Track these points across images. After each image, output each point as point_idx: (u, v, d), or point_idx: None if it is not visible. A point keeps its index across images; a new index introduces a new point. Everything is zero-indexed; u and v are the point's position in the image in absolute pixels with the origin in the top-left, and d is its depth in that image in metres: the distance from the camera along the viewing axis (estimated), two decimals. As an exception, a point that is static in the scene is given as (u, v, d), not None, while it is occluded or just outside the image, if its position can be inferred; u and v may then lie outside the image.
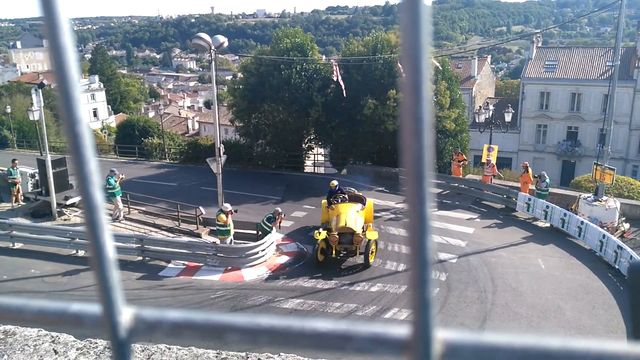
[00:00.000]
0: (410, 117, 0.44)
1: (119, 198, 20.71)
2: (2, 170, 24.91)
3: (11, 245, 18.28)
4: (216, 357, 2.85)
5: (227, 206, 17.24)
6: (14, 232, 18.30)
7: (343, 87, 25.64)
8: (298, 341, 0.47)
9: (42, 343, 2.88)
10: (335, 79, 25.79)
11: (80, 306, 0.52)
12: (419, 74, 0.43)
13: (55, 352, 2.81)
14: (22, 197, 22.36)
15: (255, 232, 18.58)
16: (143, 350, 2.89)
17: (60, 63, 0.47)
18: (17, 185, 21.89)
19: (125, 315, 0.49)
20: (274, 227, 17.77)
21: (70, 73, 0.47)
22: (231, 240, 17.72)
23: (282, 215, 17.95)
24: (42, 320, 0.53)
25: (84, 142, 0.47)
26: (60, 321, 0.52)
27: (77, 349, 2.84)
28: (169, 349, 2.91)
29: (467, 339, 0.44)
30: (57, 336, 2.95)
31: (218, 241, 17.82)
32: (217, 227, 17.49)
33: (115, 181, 20.33)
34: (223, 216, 17.03)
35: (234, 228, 17.78)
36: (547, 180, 21.03)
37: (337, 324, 0.47)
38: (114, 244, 0.51)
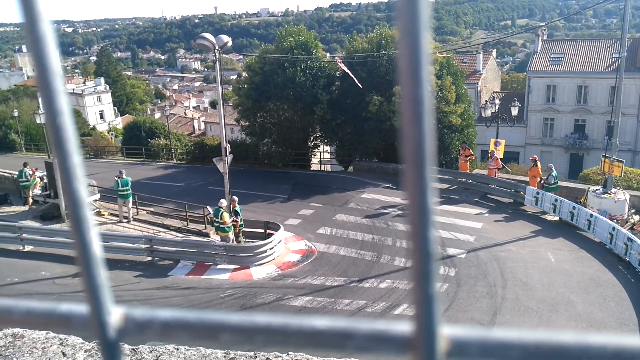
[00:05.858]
0: (409, 101, 0.41)
1: (130, 200, 20.80)
2: (10, 174, 25.03)
3: (21, 247, 18.40)
4: (224, 357, 2.83)
5: (223, 202, 17.27)
6: (24, 234, 18.43)
7: (355, 79, 25.57)
8: (296, 340, 0.44)
9: (51, 345, 2.87)
10: (346, 72, 25.77)
11: (69, 306, 0.50)
12: (417, 55, 0.41)
13: (64, 354, 2.80)
14: (32, 201, 22.47)
15: (262, 230, 18.61)
16: (151, 351, 2.88)
17: (40, 53, 0.45)
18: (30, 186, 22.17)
19: (115, 315, 0.47)
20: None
21: (51, 63, 0.45)
22: (232, 238, 17.71)
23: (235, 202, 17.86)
24: (30, 322, 0.51)
25: (67, 135, 0.45)
26: (49, 322, 0.50)
27: (86, 351, 2.83)
28: (177, 349, 2.90)
29: (474, 335, 0.41)
30: (66, 338, 2.94)
31: (218, 238, 17.78)
32: (218, 224, 17.46)
33: (130, 181, 20.57)
34: (226, 215, 17.05)
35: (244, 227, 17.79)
36: (554, 173, 20.86)
37: (336, 322, 0.45)
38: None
